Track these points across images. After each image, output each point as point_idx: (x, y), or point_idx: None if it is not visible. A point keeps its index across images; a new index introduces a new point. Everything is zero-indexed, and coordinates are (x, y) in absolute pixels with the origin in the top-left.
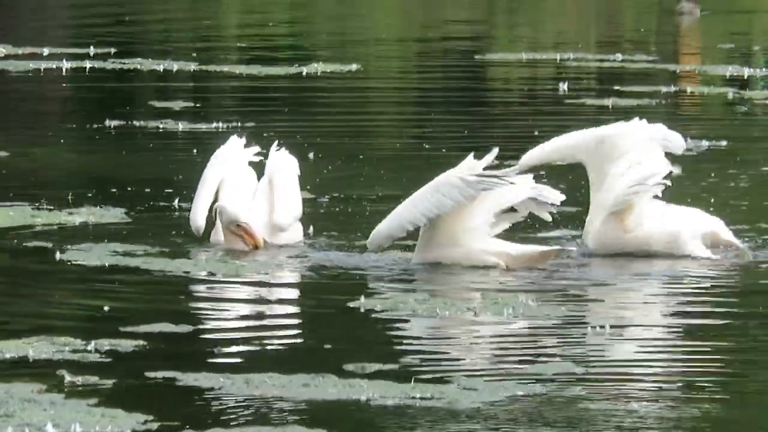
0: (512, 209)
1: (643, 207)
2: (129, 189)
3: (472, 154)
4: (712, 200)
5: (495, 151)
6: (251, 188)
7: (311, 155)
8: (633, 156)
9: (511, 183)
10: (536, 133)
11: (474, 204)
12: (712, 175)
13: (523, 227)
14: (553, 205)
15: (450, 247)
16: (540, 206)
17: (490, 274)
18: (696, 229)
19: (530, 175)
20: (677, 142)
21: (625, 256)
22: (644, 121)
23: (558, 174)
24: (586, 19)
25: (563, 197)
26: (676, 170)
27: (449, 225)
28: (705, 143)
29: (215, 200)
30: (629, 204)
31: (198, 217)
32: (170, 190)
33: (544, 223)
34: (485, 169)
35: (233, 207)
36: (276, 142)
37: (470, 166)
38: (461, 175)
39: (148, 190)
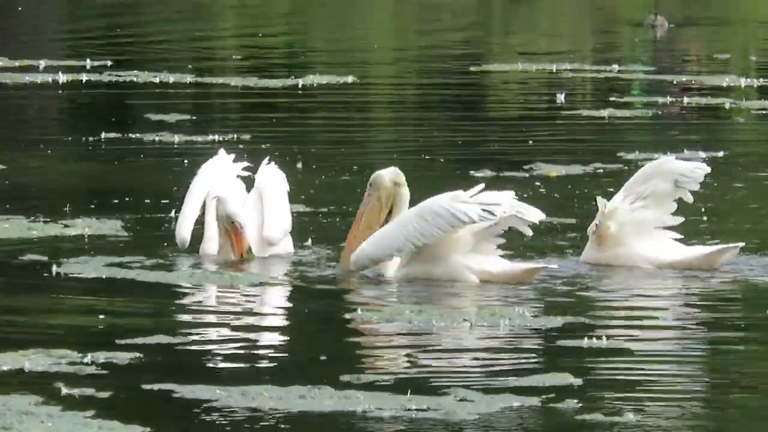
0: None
1: (617, 231)
2: (125, 201)
3: (461, 190)
4: (704, 209)
5: (482, 186)
6: (240, 202)
7: (303, 166)
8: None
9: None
10: (530, 142)
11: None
12: (715, 185)
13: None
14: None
15: (430, 263)
16: (520, 221)
17: (486, 286)
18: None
19: (512, 192)
20: (694, 178)
21: (620, 269)
22: (670, 157)
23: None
24: (582, 29)
25: (543, 216)
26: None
27: (433, 244)
28: (702, 153)
29: (202, 213)
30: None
31: (183, 230)
32: (166, 203)
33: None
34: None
35: (235, 204)
36: (267, 158)
37: (455, 196)
38: (451, 205)
39: (144, 202)
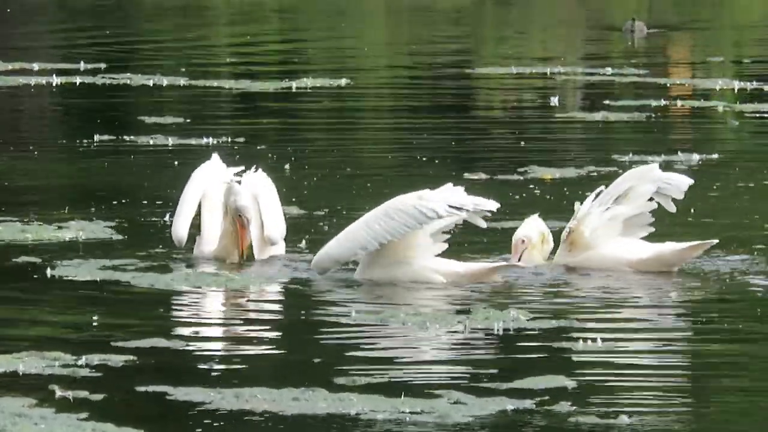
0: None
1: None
2: (119, 204)
3: (428, 189)
4: (693, 211)
5: (449, 186)
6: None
7: (295, 169)
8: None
9: (482, 211)
10: (523, 144)
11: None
12: (714, 187)
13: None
14: (489, 212)
15: (395, 265)
16: (474, 214)
17: (480, 288)
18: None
19: (461, 187)
20: (677, 186)
21: (616, 273)
22: (654, 165)
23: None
24: (574, 33)
25: (498, 205)
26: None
27: (394, 243)
28: (696, 156)
29: (196, 215)
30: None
31: (180, 228)
32: (160, 205)
33: None
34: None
35: (246, 198)
36: (254, 167)
37: (420, 194)
38: (418, 203)
39: (138, 205)
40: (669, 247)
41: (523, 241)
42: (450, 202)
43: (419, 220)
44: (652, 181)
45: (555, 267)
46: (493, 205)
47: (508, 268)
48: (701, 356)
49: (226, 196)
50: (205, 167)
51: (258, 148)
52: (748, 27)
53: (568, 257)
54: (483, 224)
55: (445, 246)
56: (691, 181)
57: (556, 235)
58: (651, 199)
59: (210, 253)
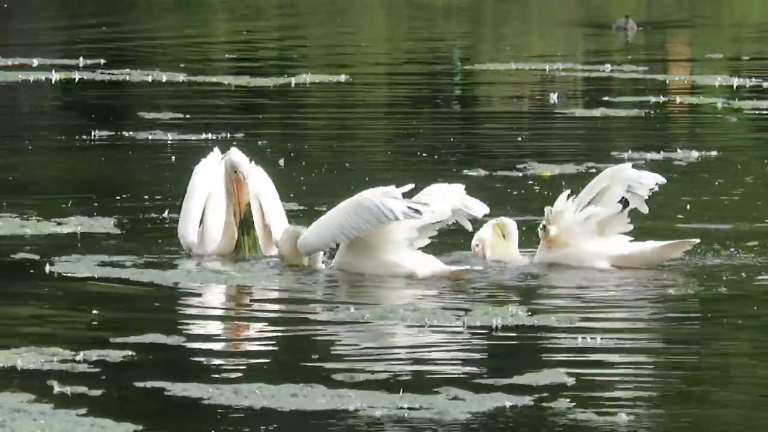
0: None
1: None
2: (118, 200)
3: (393, 186)
4: (689, 207)
5: (411, 186)
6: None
7: (294, 165)
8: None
9: (431, 212)
10: (522, 140)
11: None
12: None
13: None
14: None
15: (367, 257)
16: (466, 217)
17: (480, 285)
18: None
19: (461, 186)
20: (645, 185)
21: (611, 269)
22: (625, 165)
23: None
24: (573, 29)
25: (487, 210)
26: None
27: (371, 237)
28: (695, 153)
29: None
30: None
31: (190, 233)
32: (159, 201)
33: None
34: (404, 196)
35: (239, 155)
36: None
37: (387, 191)
38: (380, 201)
39: (137, 200)
40: (650, 245)
41: (477, 245)
42: (411, 204)
43: (379, 219)
44: (623, 182)
45: (536, 265)
46: (481, 211)
47: (468, 272)
48: (701, 353)
49: (223, 166)
50: (206, 162)
51: (257, 143)
52: (746, 24)
53: (547, 255)
54: (469, 227)
55: (426, 241)
56: (662, 180)
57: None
58: (623, 200)
59: (213, 250)
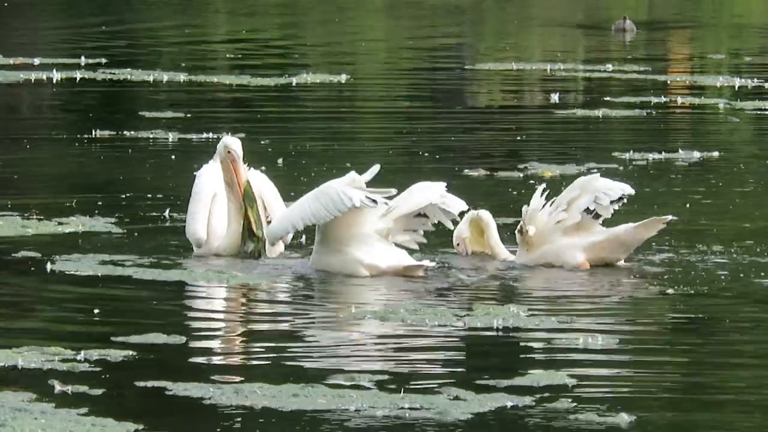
0: (423, 215)
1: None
2: (119, 199)
3: (353, 172)
4: (688, 206)
5: (377, 167)
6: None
7: (292, 163)
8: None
9: (384, 204)
10: (524, 141)
11: (363, 212)
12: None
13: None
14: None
15: (332, 254)
16: (445, 214)
17: (479, 284)
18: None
19: (443, 183)
20: (610, 196)
21: (614, 269)
22: (595, 176)
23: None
24: (574, 29)
25: (465, 207)
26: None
27: (339, 231)
28: (696, 153)
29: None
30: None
31: (199, 229)
32: (161, 200)
33: None
34: (367, 185)
35: (232, 139)
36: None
37: (352, 179)
38: (341, 189)
39: (138, 200)
40: (623, 227)
41: (458, 243)
42: (369, 193)
43: (337, 206)
44: (591, 192)
45: (517, 265)
46: (459, 208)
47: (422, 268)
48: (703, 354)
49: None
50: (209, 166)
51: (258, 143)
52: (747, 24)
53: (527, 256)
54: (450, 225)
55: (410, 236)
56: (630, 191)
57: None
58: (588, 210)
59: (219, 247)
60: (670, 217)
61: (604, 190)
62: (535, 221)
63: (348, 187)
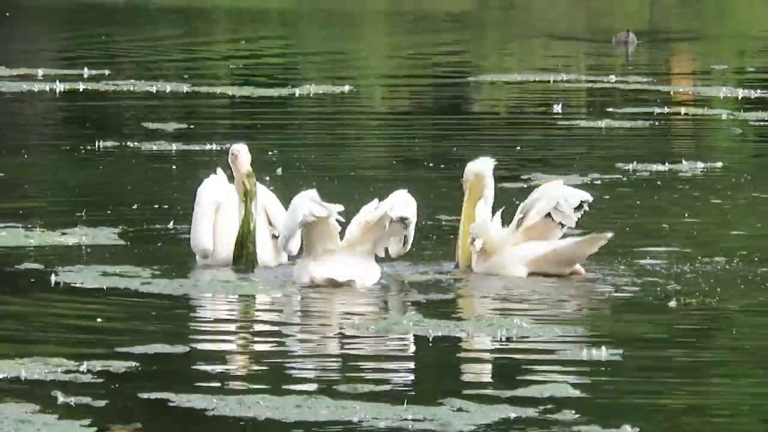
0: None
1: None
2: (122, 210)
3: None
4: (687, 214)
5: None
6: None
7: (294, 173)
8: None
9: (330, 215)
10: (518, 148)
11: (327, 224)
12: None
13: None
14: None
15: (303, 268)
16: (393, 221)
17: (483, 295)
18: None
19: (409, 201)
20: (570, 204)
21: (617, 279)
22: (557, 182)
23: None
24: (577, 41)
25: (404, 214)
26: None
27: (308, 242)
28: (700, 164)
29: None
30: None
31: (204, 240)
32: (164, 211)
33: None
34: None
35: (240, 145)
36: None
37: (308, 194)
38: (296, 202)
39: (141, 211)
40: (562, 242)
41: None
42: (313, 206)
43: (294, 219)
44: (552, 198)
45: (473, 274)
46: (399, 213)
47: (351, 282)
48: (706, 365)
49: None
50: (210, 181)
51: (260, 153)
52: (750, 35)
53: (481, 264)
54: (399, 245)
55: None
56: (589, 199)
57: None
58: (549, 215)
59: (226, 256)
60: (610, 234)
61: (565, 197)
62: (485, 233)
63: (304, 200)
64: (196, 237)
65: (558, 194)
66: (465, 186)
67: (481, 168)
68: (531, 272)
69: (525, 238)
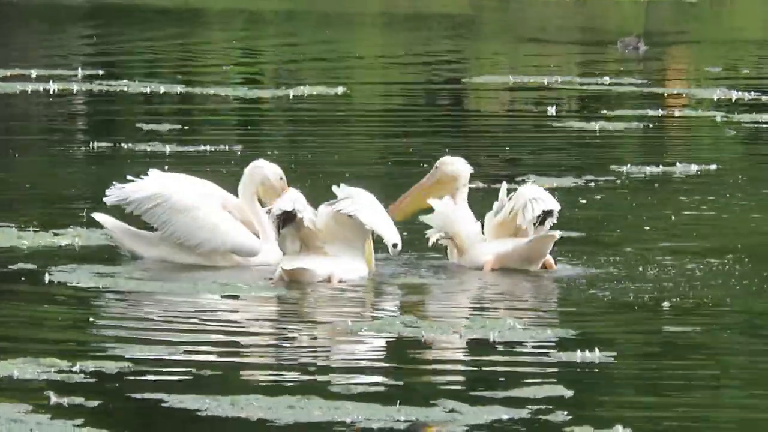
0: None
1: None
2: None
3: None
4: (674, 217)
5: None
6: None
7: (289, 176)
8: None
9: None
10: (519, 153)
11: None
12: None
13: None
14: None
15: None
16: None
17: (475, 297)
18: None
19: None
20: (533, 210)
21: (609, 281)
22: (533, 186)
23: None
24: (571, 43)
25: (351, 210)
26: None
27: (303, 244)
28: (694, 167)
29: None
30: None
31: (244, 239)
32: None
33: None
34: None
35: (269, 165)
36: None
37: (292, 197)
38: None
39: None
40: (521, 241)
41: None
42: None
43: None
44: (524, 199)
45: (467, 274)
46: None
47: (304, 273)
48: (699, 366)
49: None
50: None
51: (255, 155)
52: (745, 38)
53: (456, 258)
54: (392, 251)
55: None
56: (557, 207)
57: (560, 242)
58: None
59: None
60: (558, 234)
61: (534, 200)
62: (450, 227)
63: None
64: (230, 239)
65: (530, 197)
66: (435, 174)
67: (462, 170)
68: (497, 268)
69: (494, 236)
